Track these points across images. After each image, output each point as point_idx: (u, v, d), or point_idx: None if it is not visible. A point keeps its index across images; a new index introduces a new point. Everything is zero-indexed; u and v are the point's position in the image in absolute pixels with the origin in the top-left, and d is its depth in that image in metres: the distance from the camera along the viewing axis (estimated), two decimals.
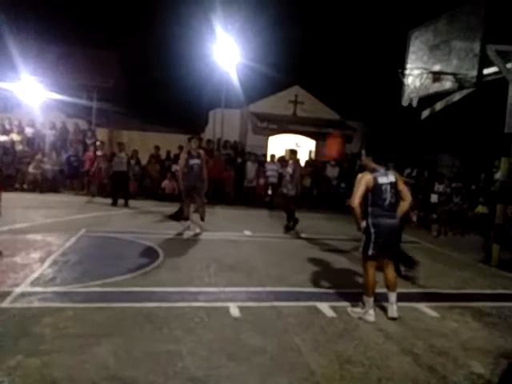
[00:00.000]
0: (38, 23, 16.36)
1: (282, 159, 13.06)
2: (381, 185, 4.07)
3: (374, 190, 4.07)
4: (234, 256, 6.34)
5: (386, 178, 4.10)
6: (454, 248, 8.12)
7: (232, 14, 14.93)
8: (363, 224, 4.15)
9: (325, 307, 4.39)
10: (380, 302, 4.42)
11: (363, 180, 4.09)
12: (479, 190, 10.84)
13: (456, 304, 4.81)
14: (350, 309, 4.33)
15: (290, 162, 8.56)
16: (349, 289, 5.16)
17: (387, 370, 3.22)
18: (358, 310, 4.26)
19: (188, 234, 7.74)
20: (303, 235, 8.23)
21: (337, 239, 8.03)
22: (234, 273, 5.45)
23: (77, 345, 3.25)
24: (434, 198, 10.60)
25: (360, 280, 5.52)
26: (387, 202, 4.09)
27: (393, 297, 4.22)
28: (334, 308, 4.38)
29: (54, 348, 3.18)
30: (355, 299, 4.74)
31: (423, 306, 4.59)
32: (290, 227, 8.44)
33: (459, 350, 3.64)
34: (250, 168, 13.04)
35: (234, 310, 4.16)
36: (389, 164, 4.51)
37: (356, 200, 4.07)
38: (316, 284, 5.24)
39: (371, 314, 4.13)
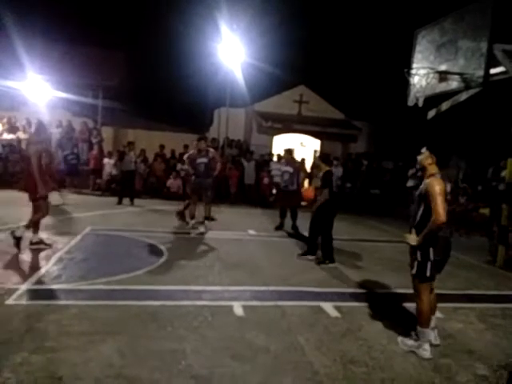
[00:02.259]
0: (44, 22, 16.43)
1: (279, 158, 13.03)
2: (447, 194, 3.49)
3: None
4: (238, 255, 6.35)
5: (449, 187, 3.63)
6: (458, 249, 8.04)
7: (237, 12, 14.92)
8: (416, 241, 3.46)
9: (329, 307, 4.38)
10: (383, 303, 4.41)
11: (442, 188, 3.34)
12: (485, 190, 10.77)
13: (461, 305, 4.80)
14: (400, 339, 3.69)
15: (282, 160, 8.81)
16: (353, 289, 5.16)
17: (391, 370, 3.22)
18: (410, 342, 3.60)
19: (193, 232, 7.75)
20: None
21: (340, 239, 7.99)
22: (238, 272, 5.46)
23: (81, 342, 3.27)
24: None
25: (363, 280, 5.51)
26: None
27: (434, 322, 3.69)
28: (337, 308, 4.37)
29: (58, 345, 3.20)
30: (359, 299, 4.74)
31: None
32: (297, 226, 8.45)
33: (464, 351, 3.63)
34: (247, 167, 13.17)
35: (238, 309, 4.17)
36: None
37: (444, 213, 3.27)
38: (320, 284, 5.23)
39: (427, 349, 3.47)
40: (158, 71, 19.63)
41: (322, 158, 6.65)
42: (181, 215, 8.67)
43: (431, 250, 3.41)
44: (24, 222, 5.85)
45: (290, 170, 8.31)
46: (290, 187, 8.31)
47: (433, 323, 3.68)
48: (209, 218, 8.19)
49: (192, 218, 8.15)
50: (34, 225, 5.86)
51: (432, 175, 3.45)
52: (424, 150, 3.60)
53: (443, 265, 3.64)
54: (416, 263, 3.47)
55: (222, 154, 13.72)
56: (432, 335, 3.59)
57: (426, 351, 3.46)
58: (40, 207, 5.81)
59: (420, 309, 3.54)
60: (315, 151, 17.61)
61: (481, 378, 3.20)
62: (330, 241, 6.24)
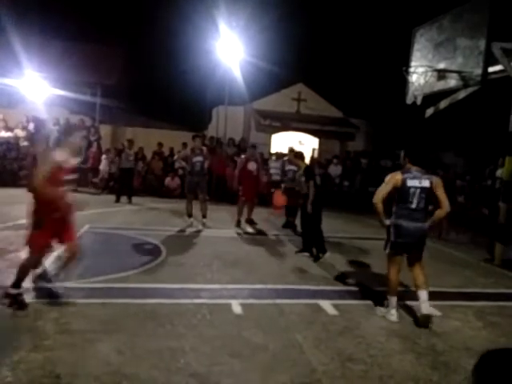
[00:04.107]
0: (42, 19, 16.37)
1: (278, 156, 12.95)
2: (409, 187, 4.00)
3: (401, 191, 4.03)
4: (236, 253, 6.35)
5: (418, 182, 3.99)
6: (456, 247, 8.10)
7: (236, 10, 14.88)
8: (386, 222, 4.15)
9: (327, 305, 4.39)
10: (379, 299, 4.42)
11: (391, 179, 4.08)
12: (482, 189, 10.80)
13: (458, 303, 4.81)
14: (376, 307, 4.34)
15: (285, 158, 8.89)
16: (351, 287, 5.17)
17: (388, 368, 3.23)
18: (382, 308, 4.26)
19: (190, 230, 7.75)
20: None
21: (338, 237, 8.02)
22: (236, 270, 5.46)
23: (80, 340, 3.27)
24: None
25: (362, 278, 5.53)
26: (413, 205, 4.00)
27: (423, 295, 4.08)
28: (335, 306, 4.38)
29: (56, 343, 3.20)
30: (357, 297, 4.75)
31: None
32: (292, 222, 8.46)
33: (461, 348, 3.64)
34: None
35: (236, 307, 4.17)
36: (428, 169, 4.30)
37: (379, 196, 4.05)
38: (318, 282, 5.24)
39: (393, 314, 4.12)
40: (157, 69, 19.59)
41: (297, 155, 6.93)
42: (250, 221, 8.60)
43: (392, 232, 4.10)
44: (23, 220, 5.82)
45: (295, 168, 8.30)
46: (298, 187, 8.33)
47: (423, 297, 4.07)
48: (205, 215, 8.22)
49: (190, 216, 8.17)
50: None
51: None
52: (402, 153, 4.31)
53: (411, 249, 4.14)
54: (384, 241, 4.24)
55: (220, 152, 13.70)
56: (394, 302, 4.14)
57: (392, 316, 4.11)
58: None
59: (388, 279, 4.20)
60: (313, 149, 17.61)
61: None
62: (320, 234, 6.38)
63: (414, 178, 4.02)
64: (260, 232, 8.18)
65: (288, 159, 9.07)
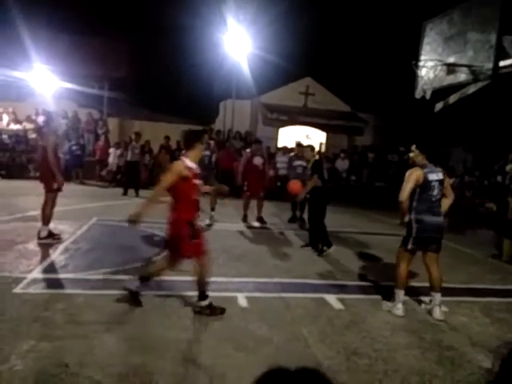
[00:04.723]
0: (51, 12, 16.41)
1: (285, 150, 12.86)
2: (430, 181, 4.07)
3: (423, 187, 4.06)
4: (242, 247, 6.37)
5: (436, 175, 4.10)
6: (464, 243, 8.05)
7: (244, 3, 14.80)
8: (406, 218, 4.16)
9: (332, 299, 4.40)
10: (384, 295, 4.42)
11: (414, 175, 4.06)
12: (491, 184, 10.70)
13: (465, 299, 4.79)
14: (382, 302, 4.36)
15: (292, 153, 8.70)
16: (356, 281, 5.17)
17: (393, 362, 3.23)
18: (389, 303, 4.27)
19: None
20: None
21: (345, 232, 8.01)
22: (242, 263, 5.48)
23: (87, 331, 3.31)
24: None
25: (367, 273, 5.52)
26: (434, 198, 4.10)
27: (437, 299, 4.16)
28: (341, 300, 4.39)
29: (65, 333, 3.24)
30: (362, 292, 4.75)
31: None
32: (300, 216, 8.48)
33: (467, 344, 3.63)
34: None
35: (242, 300, 4.19)
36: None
37: (405, 195, 4.05)
38: (324, 276, 5.24)
39: (399, 308, 4.13)
40: (164, 62, 19.56)
41: (309, 148, 6.91)
42: (260, 219, 8.37)
43: (414, 227, 4.06)
44: (32, 212, 5.89)
45: (304, 163, 8.27)
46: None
47: (437, 301, 4.15)
48: (214, 208, 8.25)
49: (212, 209, 8.21)
50: (48, 218, 5.84)
51: (415, 166, 4.14)
52: (414, 147, 4.25)
53: (431, 244, 4.14)
54: (404, 236, 4.20)
55: (228, 146, 13.69)
56: (401, 296, 4.16)
57: (398, 310, 4.13)
58: (51, 198, 5.81)
59: (397, 273, 4.20)
60: (321, 144, 17.54)
61: (484, 371, 3.20)
62: (323, 228, 6.37)
63: (432, 172, 4.10)
64: (266, 227, 8.18)
65: (295, 154, 9.02)
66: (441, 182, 4.11)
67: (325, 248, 6.26)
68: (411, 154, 4.29)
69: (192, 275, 3.87)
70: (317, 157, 6.79)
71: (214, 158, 8.30)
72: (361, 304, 4.36)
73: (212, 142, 8.51)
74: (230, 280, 4.79)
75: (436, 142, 15.67)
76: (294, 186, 7.20)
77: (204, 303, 3.80)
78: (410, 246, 4.11)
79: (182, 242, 3.66)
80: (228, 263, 5.44)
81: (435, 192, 4.08)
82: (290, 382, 2.98)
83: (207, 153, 8.08)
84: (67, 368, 2.79)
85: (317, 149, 7.13)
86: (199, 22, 17.40)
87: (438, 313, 4.13)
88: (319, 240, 6.39)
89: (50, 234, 5.84)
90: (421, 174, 4.05)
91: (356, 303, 4.37)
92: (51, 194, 5.79)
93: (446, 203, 4.25)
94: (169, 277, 4.72)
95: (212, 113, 17.96)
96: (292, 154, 10.08)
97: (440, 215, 4.15)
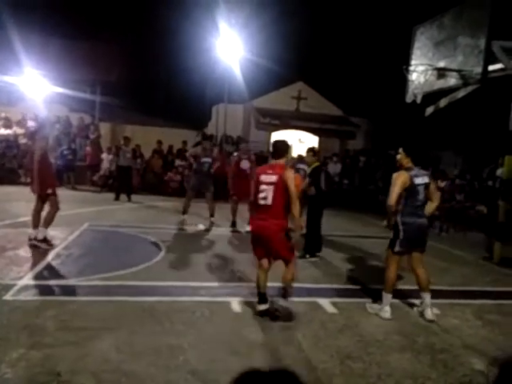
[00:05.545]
0: (41, 17, 16.33)
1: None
2: (416, 185, 4.11)
3: (410, 190, 4.10)
4: (235, 251, 6.36)
5: (422, 179, 4.14)
6: (455, 245, 8.11)
7: (236, 8, 14.85)
8: (392, 222, 4.21)
9: (326, 303, 4.40)
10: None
11: (400, 179, 4.09)
12: (482, 187, 10.80)
13: (457, 301, 4.82)
14: (368, 304, 4.38)
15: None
16: (350, 285, 5.18)
17: (387, 366, 3.23)
18: (375, 306, 4.30)
19: (190, 228, 7.76)
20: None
21: (338, 235, 8.03)
22: (235, 268, 5.46)
23: (79, 338, 3.27)
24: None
25: (360, 276, 5.54)
26: (419, 202, 4.14)
27: (427, 298, 4.21)
28: (334, 304, 4.39)
29: (56, 341, 3.20)
30: (356, 295, 4.76)
31: None
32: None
33: (460, 347, 3.65)
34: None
35: (236, 305, 4.18)
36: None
37: (393, 199, 4.06)
38: (317, 280, 5.25)
39: (387, 311, 4.15)
40: (156, 67, 19.57)
41: (312, 151, 6.79)
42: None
43: (401, 230, 4.10)
44: (22, 218, 5.83)
45: (306, 167, 8.23)
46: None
47: (427, 300, 4.19)
48: (213, 215, 8.22)
49: (184, 213, 8.17)
50: (49, 221, 5.79)
51: (401, 169, 4.18)
52: (401, 150, 4.29)
53: (417, 245, 4.20)
54: (389, 239, 4.24)
55: (220, 150, 13.69)
56: (389, 299, 4.20)
57: (386, 312, 4.14)
58: (53, 202, 5.77)
59: (387, 276, 4.22)
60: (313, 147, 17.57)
61: (477, 373, 3.22)
62: (319, 235, 6.35)
63: (418, 175, 4.15)
64: None
65: (299, 156, 8.93)
66: (426, 185, 4.16)
67: (307, 256, 6.18)
68: (398, 157, 4.34)
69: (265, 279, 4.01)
70: (317, 163, 6.63)
71: (214, 166, 8.23)
72: (354, 308, 4.36)
73: (216, 150, 8.51)
74: (223, 284, 4.77)
75: (426, 145, 15.83)
76: (295, 181, 7.18)
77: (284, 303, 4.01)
78: (397, 249, 4.15)
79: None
80: (221, 268, 5.43)
81: (421, 196, 4.13)
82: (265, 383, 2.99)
83: (208, 160, 8.05)
84: (59, 376, 2.76)
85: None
86: (191, 26, 17.45)
87: (429, 313, 4.16)
88: (313, 246, 6.34)
89: (45, 239, 5.79)
90: (407, 177, 4.09)
91: (349, 307, 4.37)
92: (51, 197, 5.75)
93: (431, 206, 4.29)
94: (161, 282, 4.70)
95: (204, 117, 17.95)
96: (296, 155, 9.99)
97: (424, 217, 4.21)
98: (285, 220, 3.88)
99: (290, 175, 3.85)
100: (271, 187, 3.82)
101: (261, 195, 3.86)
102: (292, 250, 3.98)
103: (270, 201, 3.81)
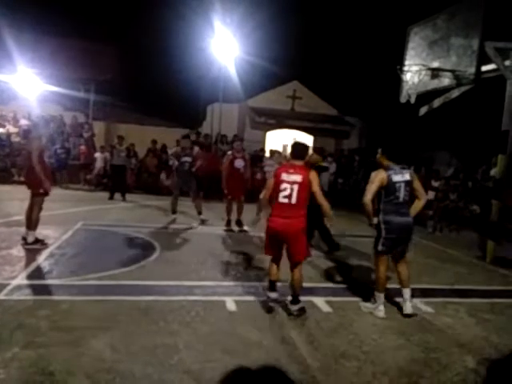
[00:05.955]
0: (35, 15, 16.19)
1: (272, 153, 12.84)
2: (395, 182, 4.10)
3: (388, 188, 4.10)
4: (230, 250, 6.35)
5: (401, 176, 4.13)
6: (449, 244, 8.16)
7: (231, 7, 14.83)
8: (375, 220, 4.20)
9: (320, 302, 4.41)
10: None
11: (377, 177, 4.12)
12: (475, 187, 10.88)
13: (451, 300, 4.84)
14: (361, 303, 4.39)
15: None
16: (344, 284, 5.19)
17: (382, 364, 3.25)
18: (368, 305, 4.31)
19: (183, 227, 7.74)
20: None
21: (333, 234, 8.03)
22: (230, 267, 5.46)
23: (73, 337, 3.25)
24: (430, 194, 10.63)
25: (355, 275, 5.56)
26: (400, 199, 4.12)
27: (406, 293, 4.22)
28: (329, 303, 4.40)
29: (50, 340, 3.18)
30: (350, 294, 4.78)
31: (418, 302, 4.59)
32: None
33: (454, 345, 3.67)
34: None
35: (231, 304, 4.17)
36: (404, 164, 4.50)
37: (368, 196, 4.08)
38: (312, 279, 5.25)
39: (381, 310, 4.18)
40: (151, 66, 19.47)
41: (316, 151, 6.88)
42: (239, 223, 8.09)
43: (383, 229, 4.12)
44: (16, 217, 5.78)
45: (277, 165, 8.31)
46: None
47: (406, 295, 4.21)
48: (200, 212, 8.21)
49: (173, 212, 8.16)
50: (35, 223, 5.72)
51: (380, 168, 4.22)
52: (379, 149, 4.37)
53: (400, 244, 4.21)
54: (374, 239, 4.26)
55: (215, 149, 13.66)
56: (382, 299, 4.22)
57: (380, 311, 4.17)
58: (38, 203, 5.70)
59: (377, 276, 4.25)
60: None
61: (471, 371, 3.24)
62: (311, 237, 6.38)
63: (397, 173, 4.14)
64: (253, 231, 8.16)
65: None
66: (407, 182, 4.13)
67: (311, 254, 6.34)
68: (377, 156, 4.37)
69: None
70: (323, 163, 6.68)
71: (196, 165, 8.04)
72: (349, 306, 4.38)
73: (197, 149, 8.44)
74: (218, 284, 4.77)
75: (420, 145, 15.91)
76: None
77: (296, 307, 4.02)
78: (380, 248, 4.17)
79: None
80: (215, 267, 5.42)
81: (401, 193, 4.11)
82: (252, 382, 3.00)
83: (188, 159, 7.97)
84: (52, 376, 2.74)
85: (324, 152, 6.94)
86: (186, 25, 17.40)
87: (407, 307, 4.19)
88: (327, 239, 6.51)
89: (37, 240, 5.74)
90: (384, 175, 4.10)
91: (344, 306, 4.39)
92: (38, 198, 5.69)
93: (418, 205, 4.28)
94: (155, 282, 4.69)
95: (199, 116, 17.91)
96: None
97: (408, 216, 4.17)
98: (305, 218, 3.94)
99: (316, 176, 3.94)
100: (295, 186, 3.87)
101: (283, 193, 3.89)
102: (308, 251, 4.08)
103: (294, 199, 3.86)
